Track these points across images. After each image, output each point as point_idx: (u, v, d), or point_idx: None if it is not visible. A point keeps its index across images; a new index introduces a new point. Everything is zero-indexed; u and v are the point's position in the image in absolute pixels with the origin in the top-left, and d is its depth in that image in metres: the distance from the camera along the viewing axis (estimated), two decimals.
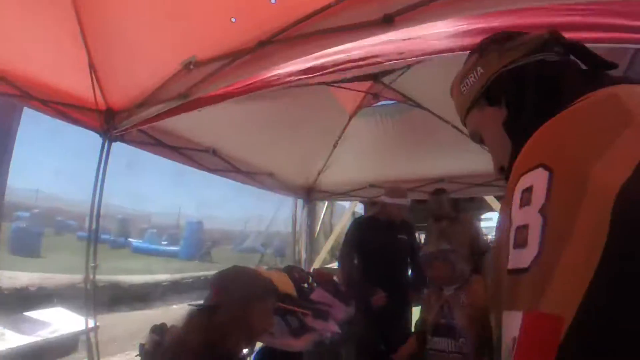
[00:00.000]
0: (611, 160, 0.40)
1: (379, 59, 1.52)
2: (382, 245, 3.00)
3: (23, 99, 2.49)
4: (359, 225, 3.25)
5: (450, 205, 3.52)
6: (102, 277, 6.97)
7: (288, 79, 1.70)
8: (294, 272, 2.95)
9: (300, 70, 1.67)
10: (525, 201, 0.45)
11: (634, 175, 0.38)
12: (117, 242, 16.70)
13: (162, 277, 9.64)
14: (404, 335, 2.56)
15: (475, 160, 4.35)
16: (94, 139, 2.88)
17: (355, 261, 3.16)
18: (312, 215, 6.49)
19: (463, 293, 2.27)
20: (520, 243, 0.44)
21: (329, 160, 4.73)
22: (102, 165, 2.86)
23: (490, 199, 7.66)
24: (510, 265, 0.45)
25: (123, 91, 2.65)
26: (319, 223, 8.87)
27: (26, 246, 11.35)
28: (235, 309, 1.28)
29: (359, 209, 8.40)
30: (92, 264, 2.81)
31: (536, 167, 0.45)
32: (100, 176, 2.86)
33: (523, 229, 0.44)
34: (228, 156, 3.98)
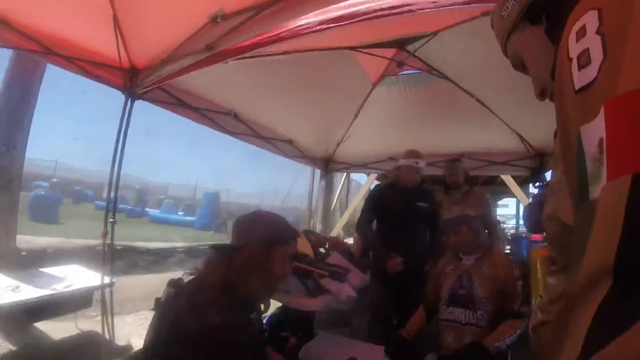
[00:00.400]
0: None
1: (411, 7, 1.46)
2: (401, 211, 2.95)
3: (47, 56, 2.49)
4: (378, 192, 3.17)
5: (464, 176, 3.48)
6: (119, 242, 7.13)
7: (318, 27, 1.64)
8: (311, 236, 2.96)
9: (330, 19, 1.61)
10: (581, 35, 0.46)
11: None
12: (134, 211, 16.87)
13: (178, 244, 9.81)
14: (416, 307, 2.51)
15: (497, 137, 4.28)
16: (114, 103, 2.90)
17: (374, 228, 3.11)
18: (329, 188, 6.49)
19: (485, 263, 2.21)
20: (584, 63, 0.44)
21: (349, 131, 4.68)
22: (124, 125, 2.89)
23: (510, 184, 7.52)
24: (577, 85, 0.45)
25: (147, 48, 2.64)
26: (335, 198, 8.89)
27: (45, 213, 11.47)
28: (257, 250, 1.27)
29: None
30: (111, 219, 2.88)
31: (585, 12, 0.46)
32: (122, 137, 2.88)
33: (584, 53, 0.44)
34: (249, 120, 3.97)
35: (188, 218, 16.87)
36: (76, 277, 3.28)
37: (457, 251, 2.34)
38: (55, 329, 3.41)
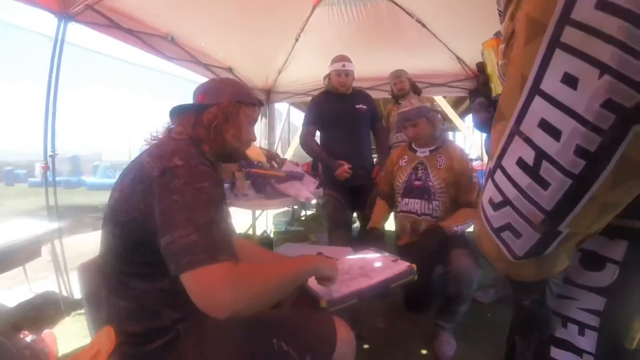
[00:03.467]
0: None
1: None
2: (340, 117, 2.93)
3: None
4: (315, 103, 3.08)
5: (410, 85, 3.63)
6: (61, 205, 6.75)
7: None
8: (263, 150, 3.00)
9: None
10: None
11: None
12: (70, 182, 15.63)
13: None
14: (372, 208, 2.60)
15: (437, 59, 4.45)
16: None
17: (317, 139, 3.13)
18: (271, 125, 6.47)
19: (440, 155, 2.29)
20: None
21: (290, 56, 4.64)
22: (58, 50, 2.71)
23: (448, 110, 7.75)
24: None
25: None
26: (278, 137, 8.88)
27: None
28: (226, 106, 1.23)
29: None
30: (50, 154, 2.79)
31: None
32: (56, 63, 2.72)
33: None
34: (187, 45, 3.82)
35: None
36: (21, 230, 3.07)
37: (414, 144, 2.39)
38: (9, 297, 3.22)
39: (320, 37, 4.22)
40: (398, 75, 3.60)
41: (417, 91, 3.69)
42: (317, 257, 1.22)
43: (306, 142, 3.02)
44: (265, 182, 2.55)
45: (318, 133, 3.12)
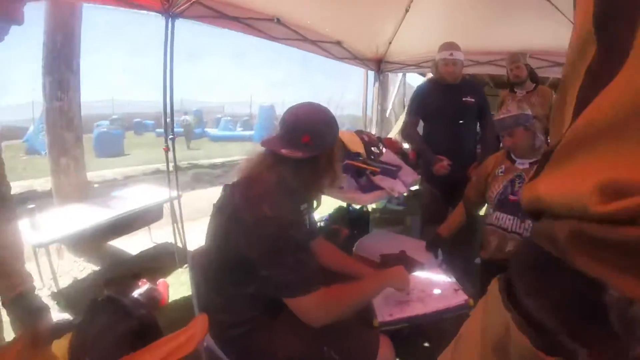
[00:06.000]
0: None
1: None
2: (445, 109, 2.75)
3: None
4: (420, 91, 2.93)
5: (529, 72, 3.19)
6: (184, 161, 7.57)
7: None
8: (364, 135, 2.96)
9: None
10: None
11: None
12: (195, 133, 17.52)
13: (240, 157, 10.28)
14: None
15: (562, 35, 3.78)
16: (154, 32, 2.88)
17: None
18: (383, 91, 6.30)
19: None
20: None
21: (401, 28, 4.38)
22: (168, 47, 2.91)
23: None
24: None
25: None
26: (391, 103, 8.67)
27: (110, 148, 12.08)
28: (324, 160, 1.31)
29: None
30: (170, 137, 3.03)
31: None
32: (168, 58, 2.92)
33: None
34: (293, 24, 3.83)
35: (246, 133, 17.42)
36: (146, 195, 3.56)
37: (513, 153, 2.14)
38: (132, 244, 3.80)
39: (432, 7, 3.88)
40: (515, 59, 3.17)
41: (535, 79, 3.24)
42: (390, 274, 1.45)
43: (408, 133, 2.91)
44: (361, 174, 2.52)
45: (422, 122, 2.97)
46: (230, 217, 1.26)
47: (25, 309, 1.30)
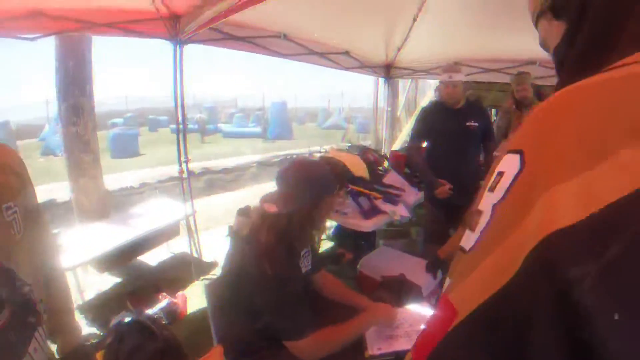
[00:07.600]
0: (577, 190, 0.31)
1: None
2: (449, 132, 2.77)
3: (89, 30, 2.66)
4: (424, 113, 2.96)
5: (534, 92, 3.24)
6: (197, 165, 7.73)
7: None
8: (369, 155, 3.05)
9: None
10: (493, 186, 0.40)
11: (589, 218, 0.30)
12: (208, 129, 17.60)
13: (252, 157, 10.43)
14: None
15: None
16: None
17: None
18: (393, 92, 6.32)
19: None
20: (472, 226, 0.42)
21: (410, 35, 4.38)
22: (178, 71, 3.05)
23: None
24: (462, 242, 0.44)
25: None
26: (403, 100, 8.64)
27: (125, 149, 12.25)
28: (310, 208, 1.47)
29: None
30: (184, 160, 3.24)
31: (516, 151, 0.38)
32: (178, 81, 3.07)
33: (478, 213, 0.41)
34: (299, 38, 3.90)
35: (259, 129, 17.64)
36: (163, 211, 3.75)
37: None
38: (151, 254, 3.90)
39: (441, 15, 3.88)
40: (521, 81, 3.24)
41: (542, 98, 3.26)
42: (378, 313, 1.63)
43: (411, 155, 2.99)
44: (365, 198, 2.62)
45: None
46: (242, 268, 1.47)
47: None
